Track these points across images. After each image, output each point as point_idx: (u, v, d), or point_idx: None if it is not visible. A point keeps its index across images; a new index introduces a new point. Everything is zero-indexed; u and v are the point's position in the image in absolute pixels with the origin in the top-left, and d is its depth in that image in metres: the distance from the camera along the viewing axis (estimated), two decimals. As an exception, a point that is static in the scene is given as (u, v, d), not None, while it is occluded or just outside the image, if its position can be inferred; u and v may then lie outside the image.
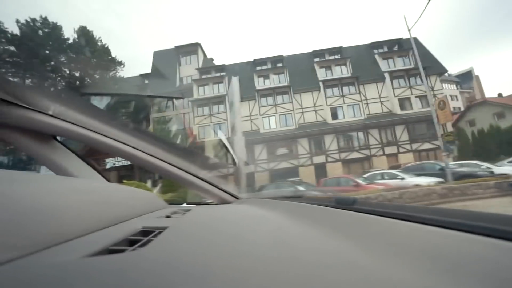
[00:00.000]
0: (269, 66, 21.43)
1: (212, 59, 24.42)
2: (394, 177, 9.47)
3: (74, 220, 0.36)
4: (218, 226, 0.49)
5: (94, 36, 19.55)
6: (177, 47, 23.00)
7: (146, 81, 23.53)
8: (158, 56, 23.64)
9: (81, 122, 0.91)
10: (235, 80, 5.97)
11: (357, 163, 18.18)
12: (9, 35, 16.12)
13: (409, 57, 19.64)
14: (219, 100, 20.35)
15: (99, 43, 19.72)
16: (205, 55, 24.33)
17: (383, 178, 9.69)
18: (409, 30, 8.57)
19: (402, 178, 9.17)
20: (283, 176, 16.55)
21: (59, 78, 17.59)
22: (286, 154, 18.98)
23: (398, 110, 18.56)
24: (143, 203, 0.68)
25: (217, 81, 21.07)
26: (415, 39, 21.84)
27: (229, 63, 22.29)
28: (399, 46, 20.38)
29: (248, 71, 20.98)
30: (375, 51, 20.68)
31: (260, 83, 20.71)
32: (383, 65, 19.79)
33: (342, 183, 9.51)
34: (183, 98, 20.76)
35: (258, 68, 21.34)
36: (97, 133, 0.93)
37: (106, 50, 19.93)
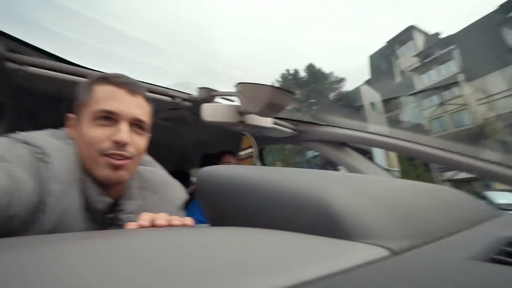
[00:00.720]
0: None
1: (437, 34, 19.63)
2: None
3: (439, 219, 0.34)
4: None
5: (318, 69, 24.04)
6: (389, 42, 21.48)
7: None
8: (374, 58, 23.48)
9: (362, 128, 1.12)
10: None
11: None
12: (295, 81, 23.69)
13: None
14: (451, 83, 16.09)
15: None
16: (425, 34, 20.20)
17: None
18: None
19: None
20: None
21: (334, 101, 22.94)
22: None
23: None
24: (474, 206, 0.51)
25: (443, 61, 16.84)
26: None
27: (456, 31, 16.86)
28: None
29: (492, 27, 14.59)
30: None
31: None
32: None
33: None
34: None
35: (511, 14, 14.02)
36: (379, 135, 1.05)
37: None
